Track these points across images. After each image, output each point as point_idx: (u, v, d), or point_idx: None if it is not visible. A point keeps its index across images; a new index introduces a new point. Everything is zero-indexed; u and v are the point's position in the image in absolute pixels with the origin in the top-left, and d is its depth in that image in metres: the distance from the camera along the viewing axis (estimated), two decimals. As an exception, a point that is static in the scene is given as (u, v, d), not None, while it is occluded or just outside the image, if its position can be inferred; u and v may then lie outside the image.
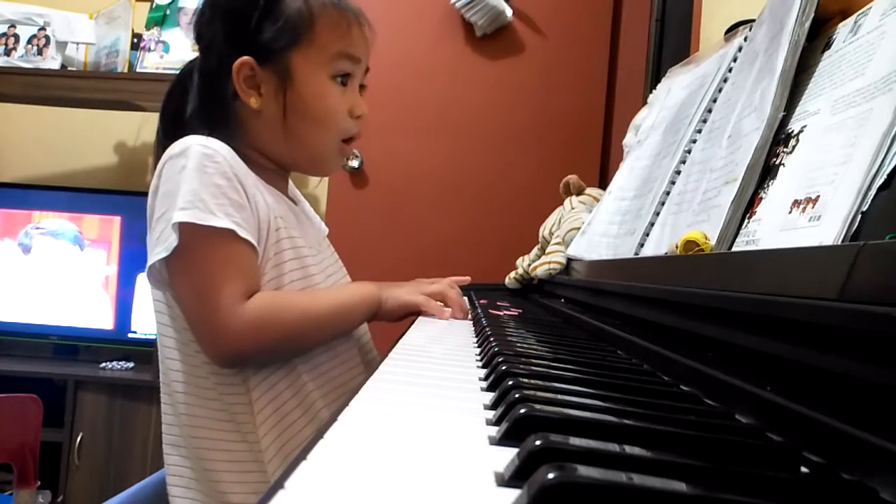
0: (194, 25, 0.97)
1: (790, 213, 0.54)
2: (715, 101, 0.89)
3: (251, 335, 0.81)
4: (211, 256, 0.81)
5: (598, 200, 1.33)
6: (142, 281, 2.39)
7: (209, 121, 0.93)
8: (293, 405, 0.88)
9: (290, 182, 1.08)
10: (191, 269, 0.82)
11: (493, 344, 0.61)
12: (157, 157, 0.93)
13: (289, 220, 0.92)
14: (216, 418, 0.86)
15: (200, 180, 0.81)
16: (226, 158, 0.84)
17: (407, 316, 0.97)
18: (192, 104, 0.95)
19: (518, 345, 0.65)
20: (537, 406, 0.36)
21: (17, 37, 2.44)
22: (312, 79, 0.93)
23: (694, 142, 0.88)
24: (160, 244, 0.81)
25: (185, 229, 0.80)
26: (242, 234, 0.82)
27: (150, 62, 2.36)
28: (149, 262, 0.83)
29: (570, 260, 1.26)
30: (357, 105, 0.96)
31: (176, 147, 0.85)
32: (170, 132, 0.96)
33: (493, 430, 0.36)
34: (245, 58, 0.90)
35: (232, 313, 0.80)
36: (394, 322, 0.97)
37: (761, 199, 0.61)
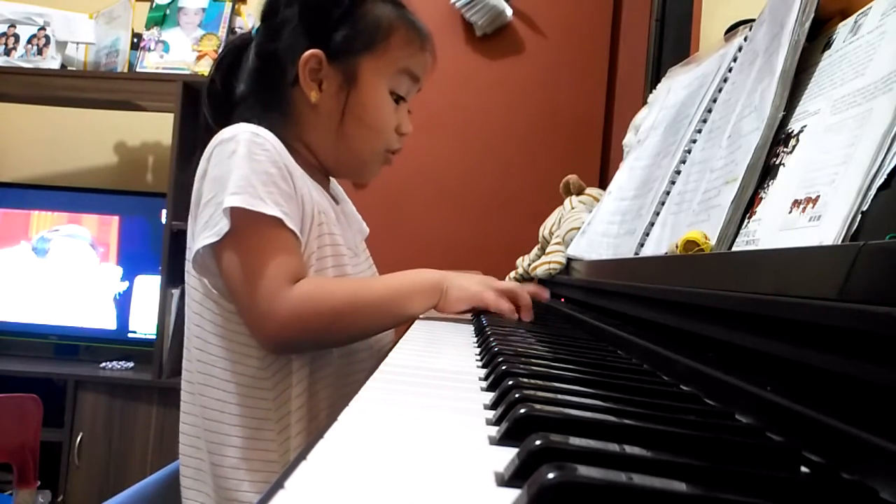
0: (268, 2, 0.95)
1: (790, 213, 0.54)
2: (715, 101, 0.89)
3: (297, 319, 0.80)
4: (257, 242, 0.81)
5: (598, 200, 1.33)
6: (141, 281, 2.39)
7: (262, 104, 0.93)
8: (324, 406, 0.88)
9: (333, 180, 1.08)
10: (237, 253, 0.82)
11: (493, 344, 0.61)
12: (204, 138, 0.92)
13: (329, 217, 0.91)
14: (238, 413, 0.85)
15: (251, 167, 0.81)
16: (275, 148, 0.84)
17: (470, 310, 0.92)
18: (246, 84, 0.94)
19: (518, 345, 0.65)
20: (537, 406, 0.36)
21: (17, 37, 2.44)
22: (375, 87, 0.93)
23: (694, 142, 0.88)
24: (208, 228, 0.81)
25: (235, 214, 0.80)
26: (289, 224, 0.82)
27: (150, 62, 2.36)
28: (196, 247, 0.83)
29: (570, 260, 1.26)
30: (405, 123, 0.98)
31: (226, 132, 0.85)
32: (218, 110, 0.95)
33: (493, 430, 0.36)
34: (316, 50, 0.90)
35: (277, 296, 0.80)
36: (455, 314, 0.94)
37: (761, 199, 0.61)
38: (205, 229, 0.82)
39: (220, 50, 2.26)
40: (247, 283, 0.81)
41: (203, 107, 0.98)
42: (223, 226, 0.80)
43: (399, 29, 0.93)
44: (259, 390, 0.85)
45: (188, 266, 0.88)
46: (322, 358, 0.89)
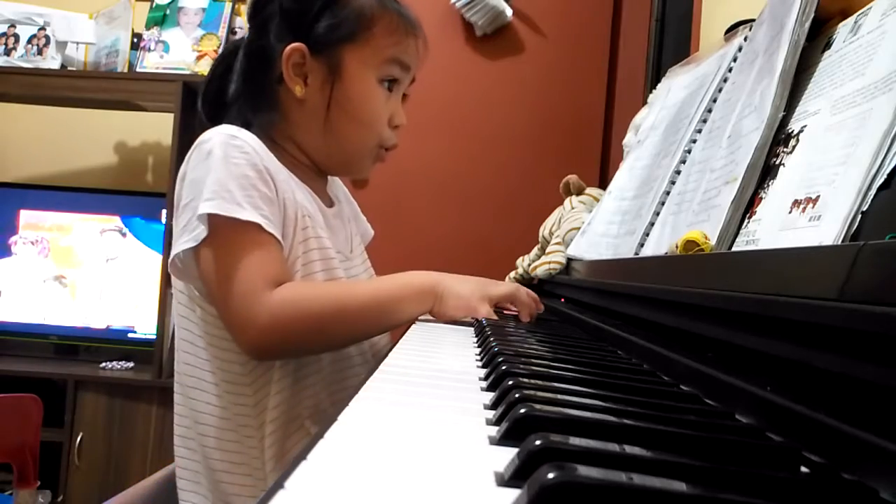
0: (252, 1, 0.95)
1: (790, 213, 0.54)
2: (715, 101, 0.89)
3: (277, 324, 0.78)
4: (235, 248, 0.79)
5: (598, 200, 1.33)
6: (141, 281, 2.39)
7: (251, 103, 0.92)
8: (307, 414, 0.87)
9: (337, 180, 1.06)
10: (215, 259, 0.80)
11: (493, 344, 0.61)
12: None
13: (317, 220, 0.89)
14: (222, 416, 0.85)
15: (228, 170, 0.80)
16: (255, 150, 0.83)
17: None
18: (236, 85, 0.93)
19: (518, 345, 0.65)
20: (537, 406, 0.36)
21: (17, 37, 2.44)
22: (361, 78, 0.91)
23: (694, 142, 0.88)
24: (186, 233, 0.80)
25: (211, 220, 0.78)
26: (269, 228, 0.80)
27: (150, 62, 2.36)
28: (173, 252, 0.82)
29: (570, 260, 1.26)
30: (397, 114, 0.95)
31: (204, 135, 0.84)
32: (213, 114, 0.95)
33: (493, 430, 0.36)
34: (298, 44, 0.89)
35: (256, 301, 0.78)
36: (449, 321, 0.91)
37: (761, 199, 0.61)
38: (182, 234, 0.80)
39: (220, 50, 2.26)
40: (225, 289, 0.79)
41: (199, 111, 0.97)
42: (200, 231, 0.79)
43: (382, 17, 0.91)
44: (240, 396, 0.84)
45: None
46: (310, 365, 0.87)
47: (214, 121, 0.91)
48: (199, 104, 0.97)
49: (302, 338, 0.82)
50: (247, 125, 0.89)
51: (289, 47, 0.89)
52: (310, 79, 0.91)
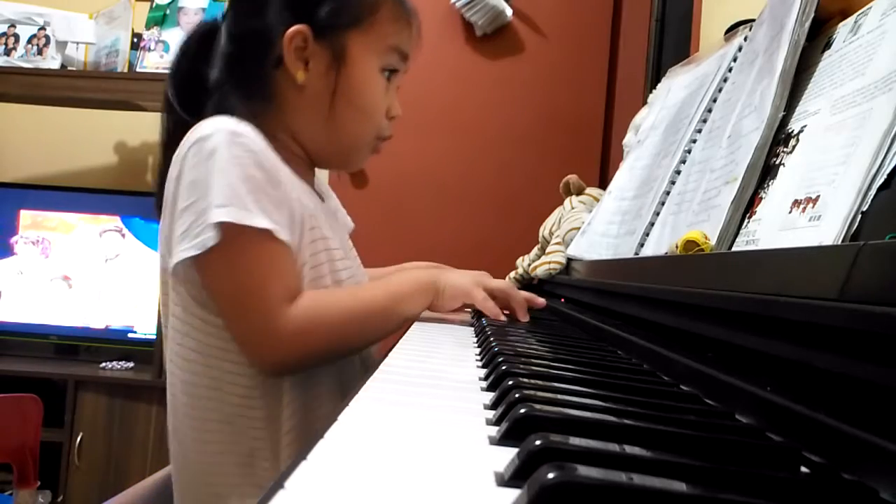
0: None
1: (790, 213, 0.54)
2: (715, 100, 0.89)
3: (301, 340, 0.76)
4: (250, 258, 0.75)
5: (598, 200, 1.33)
6: (141, 281, 2.39)
7: (242, 90, 0.86)
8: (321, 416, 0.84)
9: (321, 174, 1.03)
10: (227, 271, 0.76)
11: (493, 344, 0.61)
12: (168, 129, 0.87)
13: (320, 219, 0.86)
14: (214, 420, 0.81)
15: (235, 172, 0.74)
16: (260, 147, 0.78)
17: (463, 307, 0.91)
18: (219, 69, 0.88)
19: (518, 345, 0.65)
20: (537, 406, 0.36)
21: (17, 37, 2.44)
22: (365, 65, 0.88)
23: (694, 142, 0.88)
24: (187, 239, 0.74)
25: (222, 228, 0.73)
26: (280, 235, 0.76)
27: (150, 62, 2.36)
28: (176, 258, 0.76)
29: (570, 260, 1.26)
30: (394, 105, 0.93)
31: (203, 129, 0.77)
32: (187, 101, 0.89)
33: (493, 430, 0.36)
34: (302, 26, 0.84)
35: (278, 317, 0.75)
36: (448, 312, 0.92)
37: (761, 199, 0.61)
38: (183, 239, 0.75)
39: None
40: (241, 304, 0.76)
41: (170, 99, 0.91)
42: (206, 239, 0.73)
43: (386, 2, 0.88)
44: (250, 409, 0.81)
45: (163, 277, 0.83)
46: (316, 375, 0.84)
47: (189, 108, 0.87)
48: (168, 91, 0.91)
49: (322, 349, 0.80)
50: (231, 113, 0.83)
51: (291, 29, 0.84)
52: (311, 64, 0.86)
